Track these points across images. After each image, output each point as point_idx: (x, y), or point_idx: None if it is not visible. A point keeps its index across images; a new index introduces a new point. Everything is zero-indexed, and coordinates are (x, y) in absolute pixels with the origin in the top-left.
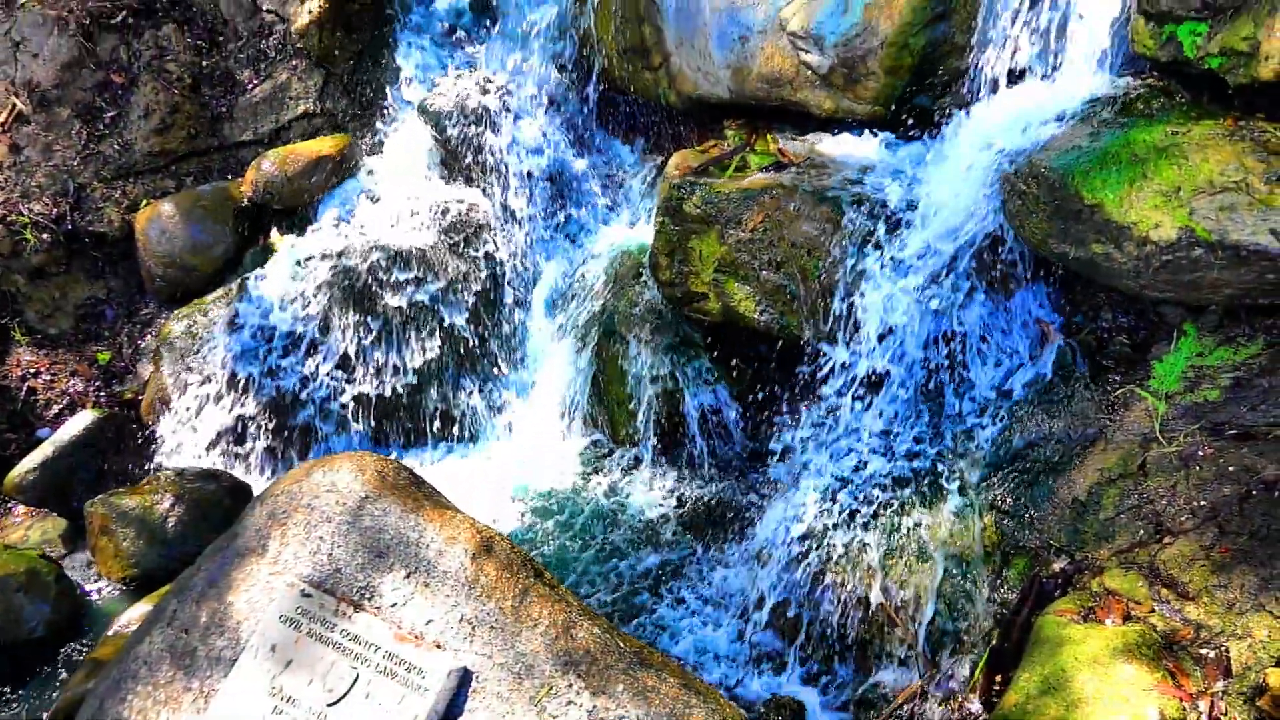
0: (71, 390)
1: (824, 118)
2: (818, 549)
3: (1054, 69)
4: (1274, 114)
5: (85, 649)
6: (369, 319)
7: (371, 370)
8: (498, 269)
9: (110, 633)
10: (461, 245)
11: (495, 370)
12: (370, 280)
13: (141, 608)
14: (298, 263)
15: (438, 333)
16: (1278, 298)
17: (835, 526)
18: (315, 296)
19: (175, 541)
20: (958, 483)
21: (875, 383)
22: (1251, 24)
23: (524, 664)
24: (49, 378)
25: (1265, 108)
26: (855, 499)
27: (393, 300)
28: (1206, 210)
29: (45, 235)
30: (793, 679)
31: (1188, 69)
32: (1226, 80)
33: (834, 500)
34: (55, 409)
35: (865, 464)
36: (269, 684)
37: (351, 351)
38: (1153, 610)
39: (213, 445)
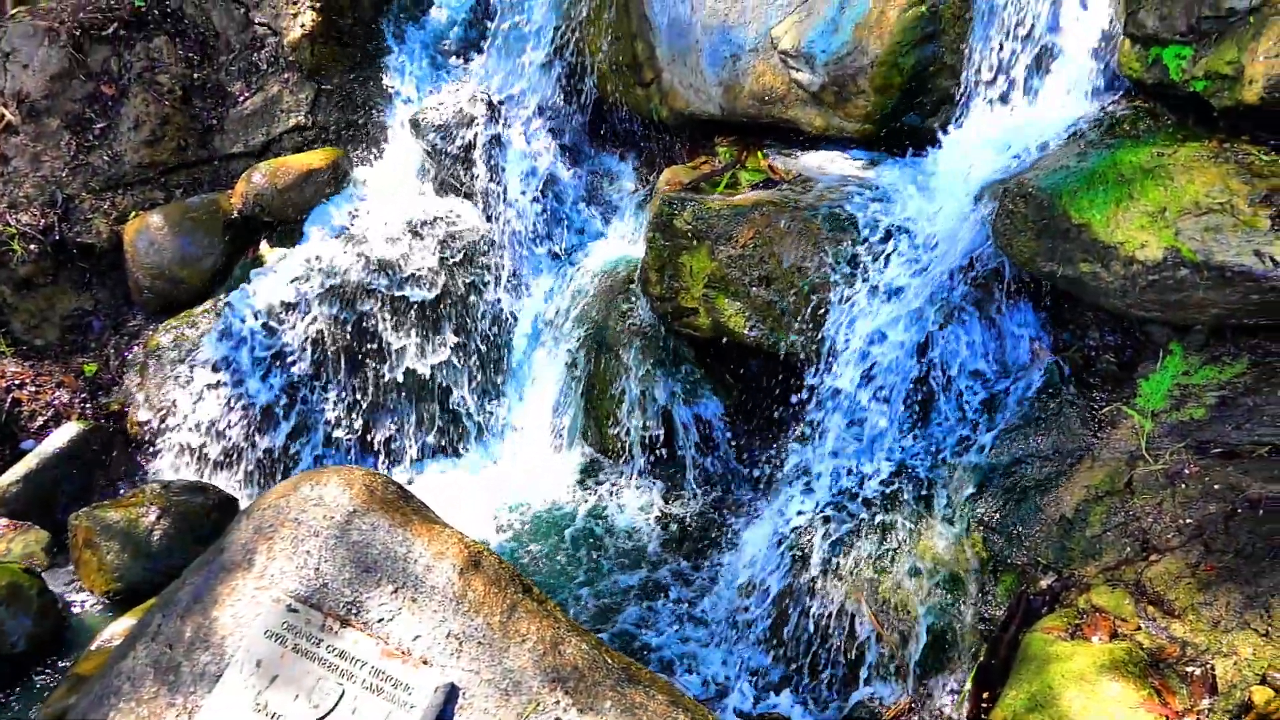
0: (57, 402)
1: (814, 135)
2: (806, 566)
3: (1042, 90)
4: (1258, 137)
5: (68, 664)
6: (356, 331)
7: (358, 384)
8: (489, 283)
9: (93, 647)
10: (452, 260)
11: (486, 385)
12: (358, 293)
13: (125, 622)
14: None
15: (427, 348)
16: (1262, 318)
17: (824, 543)
18: (303, 310)
19: (160, 555)
20: (946, 500)
21: (863, 399)
22: (1235, 48)
23: (511, 680)
24: (34, 389)
25: (1250, 130)
26: (843, 516)
27: (381, 314)
28: (1192, 231)
29: (33, 246)
30: (781, 695)
31: (1173, 91)
32: (1211, 103)
33: (822, 517)
34: (40, 421)
35: (853, 481)
36: (254, 700)
37: (340, 363)
38: (1139, 628)
39: (199, 458)
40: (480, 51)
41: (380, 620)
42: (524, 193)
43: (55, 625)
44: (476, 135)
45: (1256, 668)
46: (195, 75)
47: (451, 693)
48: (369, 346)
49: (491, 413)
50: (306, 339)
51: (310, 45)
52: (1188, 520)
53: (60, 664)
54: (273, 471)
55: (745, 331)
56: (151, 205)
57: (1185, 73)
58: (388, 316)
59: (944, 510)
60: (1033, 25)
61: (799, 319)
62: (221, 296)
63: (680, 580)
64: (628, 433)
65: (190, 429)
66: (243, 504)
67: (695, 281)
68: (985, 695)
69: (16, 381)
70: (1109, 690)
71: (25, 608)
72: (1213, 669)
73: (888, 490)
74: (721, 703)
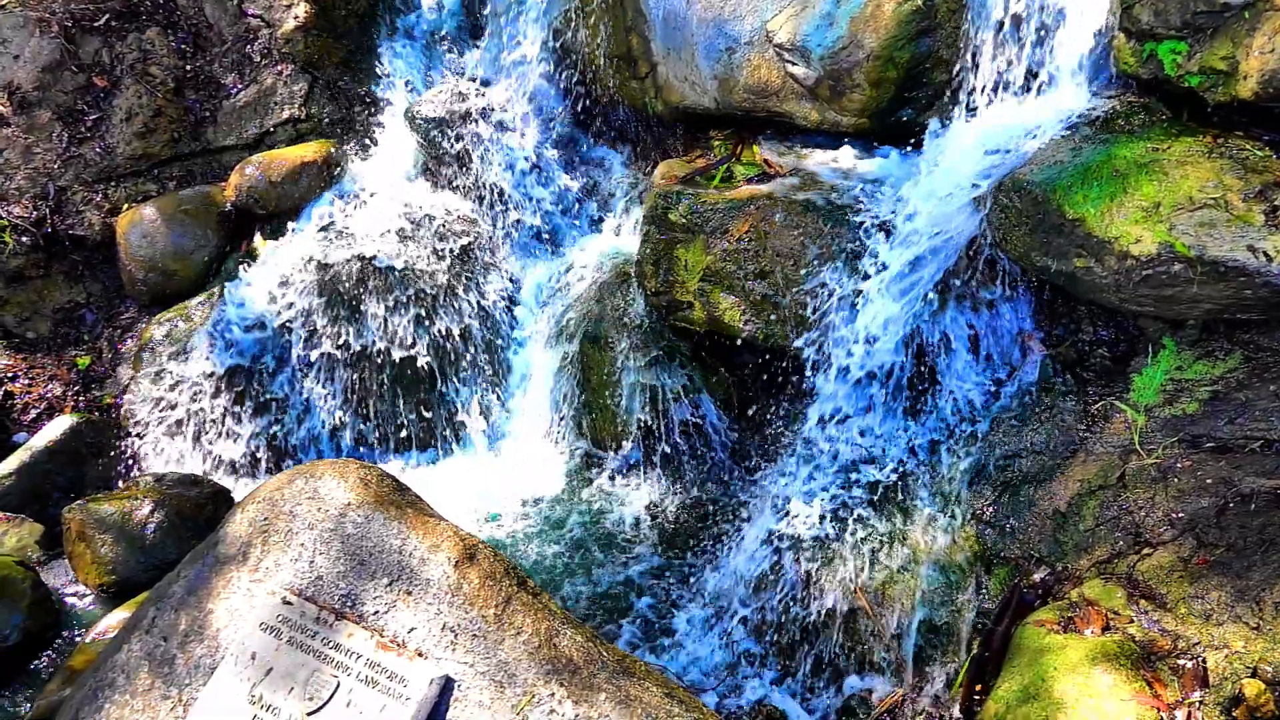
0: (50, 395)
1: (810, 129)
2: (802, 559)
3: (1038, 85)
4: (1253, 132)
5: (61, 657)
6: (350, 323)
7: (351, 377)
8: (482, 276)
9: (87, 640)
10: (446, 254)
11: (480, 378)
12: (353, 286)
13: (119, 615)
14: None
15: (422, 341)
16: (1255, 313)
17: (819, 536)
18: (298, 303)
19: (155, 548)
20: (940, 493)
21: (857, 393)
22: (1230, 44)
23: (506, 673)
24: (27, 382)
25: (1244, 126)
26: (838, 509)
27: (375, 307)
28: (1186, 226)
29: (24, 238)
30: (776, 688)
31: (1168, 86)
32: (1206, 98)
33: (817, 510)
34: (33, 413)
35: (848, 474)
36: (249, 692)
37: (333, 356)
38: (1131, 620)
39: (194, 450)
40: (475, 43)
41: (375, 613)
42: (518, 186)
43: (48, 618)
44: (470, 128)
45: (1248, 660)
46: (188, 67)
47: (446, 685)
48: (362, 339)
49: (486, 406)
50: (299, 331)
51: (304, 37)
52: (1180, 514)
53: (54, 657)
54: (267, 464)
55: (740, 326)
56: (144, 197)
57: (1180, 68)
58: (381, 309)
59: (937, 503)
60: (1028, 20)
61: (793, 313)
62: (215, 289)
63: (675, 573)
64: (623, 426)
65: (184, 421)
66: (237, 497)
67: (690, 276)
68: (978, 687)
69: (9, 374)
70: (1101, 682)
71: (18, 601)
72: (1204, 661)
73: (882, 483)
74: (718, 695)
